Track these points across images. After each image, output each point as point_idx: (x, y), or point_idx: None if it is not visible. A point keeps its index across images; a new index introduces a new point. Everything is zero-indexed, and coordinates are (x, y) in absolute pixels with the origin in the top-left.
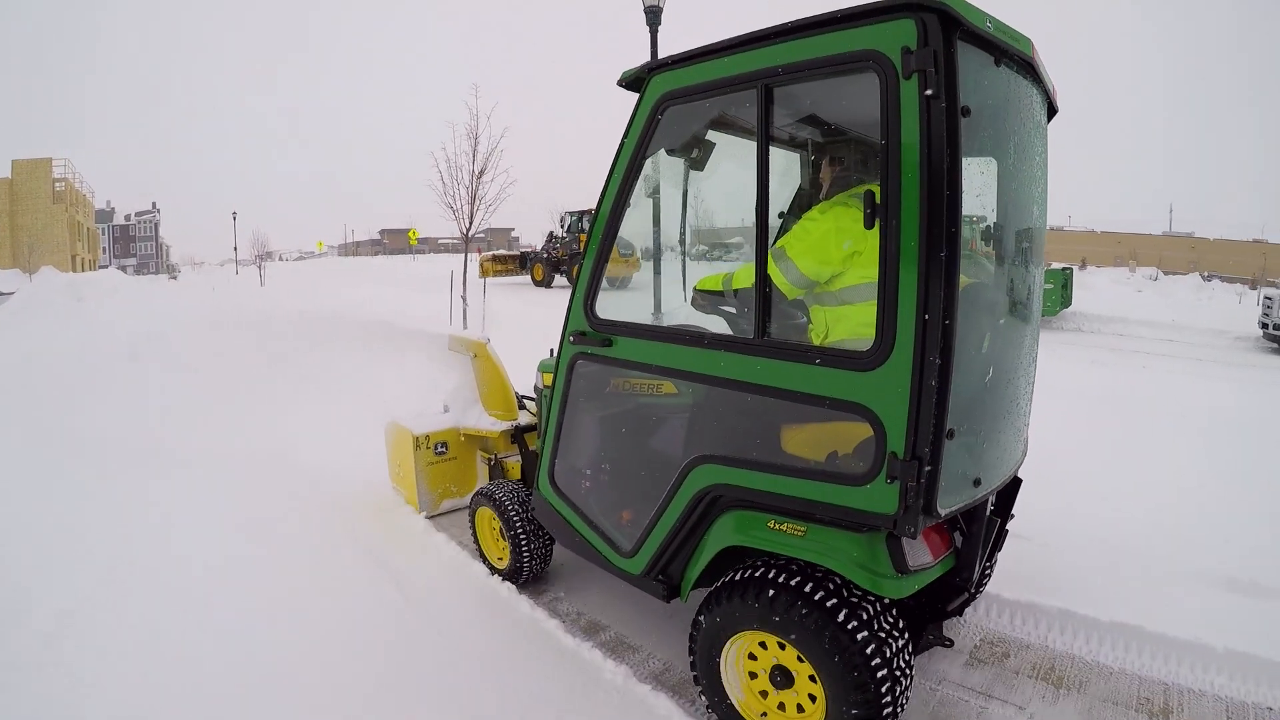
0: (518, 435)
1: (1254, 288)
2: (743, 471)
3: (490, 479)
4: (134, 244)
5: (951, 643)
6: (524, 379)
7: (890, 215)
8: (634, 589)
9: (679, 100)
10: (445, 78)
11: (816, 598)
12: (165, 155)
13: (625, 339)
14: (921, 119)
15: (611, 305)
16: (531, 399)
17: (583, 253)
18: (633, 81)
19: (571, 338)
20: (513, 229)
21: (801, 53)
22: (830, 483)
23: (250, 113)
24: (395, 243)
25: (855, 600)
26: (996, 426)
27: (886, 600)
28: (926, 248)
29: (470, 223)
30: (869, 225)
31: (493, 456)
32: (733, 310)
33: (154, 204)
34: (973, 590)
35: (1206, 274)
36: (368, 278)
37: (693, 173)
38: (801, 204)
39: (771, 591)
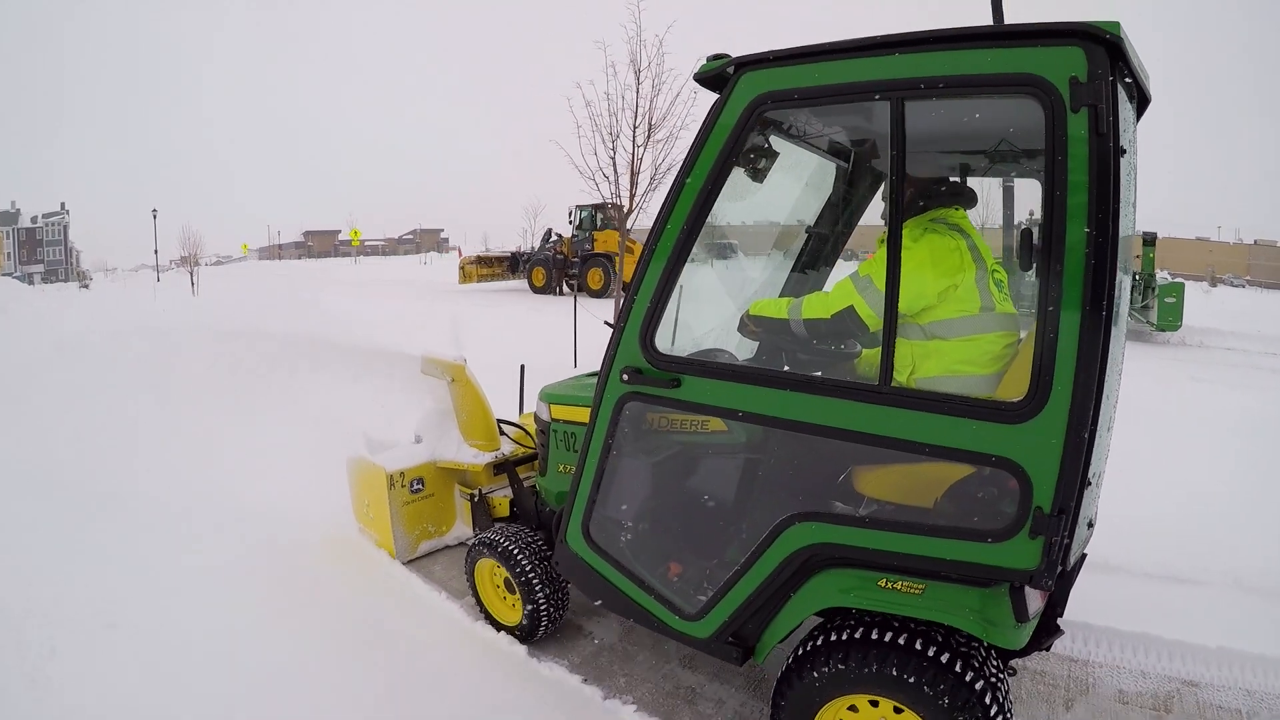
0: (508, 467)
1: (1213, 284)
2: (853, 530)
3: (473, 517)
4: (41, 248)
5: (1014, 671)
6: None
7: (1053, 260)
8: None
9: (779, 104)
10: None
11: (941, 658)
12: (74, 153)
13: (697, 379)
14: (1091, 158)
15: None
16: (512, 424)
17: (639, 275)
18: (714, 78)
19: (624, 375)
20: (441, 230)
21: (949, 66)
22: (961, 539)
23: (164, 107)
24: (321, 245)
25: (971, 653)
26: (1104, 462)
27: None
28: (1091, 298)
29: (631, 199)
30: (1026, 267)
31: (476, 492)
32: (794, 341)
33: (63, 204)
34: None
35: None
36: (321, 282)
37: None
38: (833, 219)
39: (885, 653)
